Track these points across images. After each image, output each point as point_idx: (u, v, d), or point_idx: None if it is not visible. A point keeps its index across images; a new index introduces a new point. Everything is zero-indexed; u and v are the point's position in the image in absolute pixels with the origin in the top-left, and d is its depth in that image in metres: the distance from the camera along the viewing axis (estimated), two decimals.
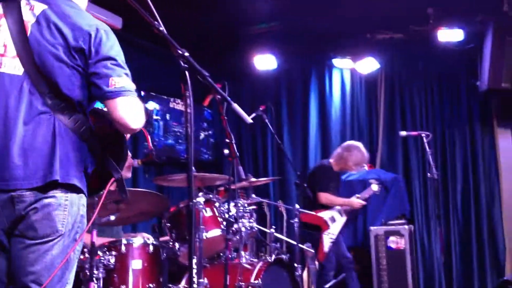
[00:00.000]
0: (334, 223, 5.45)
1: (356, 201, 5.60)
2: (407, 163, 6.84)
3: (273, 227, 4.81)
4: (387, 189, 6.32)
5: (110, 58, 1.89)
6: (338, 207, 5.55)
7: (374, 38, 6.70)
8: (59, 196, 1.82)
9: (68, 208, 1.83)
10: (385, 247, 5.69)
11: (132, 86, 1.90)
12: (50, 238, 1.80)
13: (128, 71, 1.94)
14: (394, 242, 5.68)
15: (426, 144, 5.00)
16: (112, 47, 1.92)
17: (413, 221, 6.50)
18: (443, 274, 6.21)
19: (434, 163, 4.97)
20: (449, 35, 6.26)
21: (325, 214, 5.41)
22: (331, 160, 5.78)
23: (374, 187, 5.72)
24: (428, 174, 5.05)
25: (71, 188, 1.85)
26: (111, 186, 2.01)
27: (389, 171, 6.70)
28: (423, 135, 5.08)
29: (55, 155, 1.81)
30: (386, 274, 5.61)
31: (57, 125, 1.83)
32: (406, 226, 5.76)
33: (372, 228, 5.90)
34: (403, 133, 5.48)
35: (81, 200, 1.90)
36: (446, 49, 6.50)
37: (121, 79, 1.86)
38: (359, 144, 5.76)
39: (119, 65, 1.91)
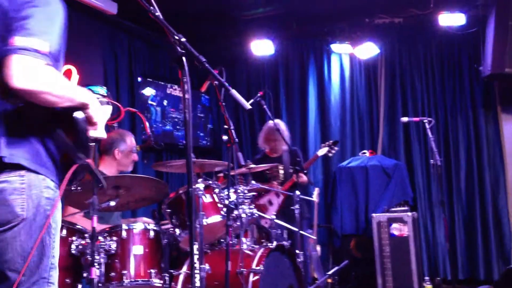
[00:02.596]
0: (271, 206, 5.31)
1: (276, 186, 5.33)
2: (409, 150, 6.79)
3: (274, 213, 4.79)
4: (389, 175, 6.30)
5: (22, 17, 1.72)
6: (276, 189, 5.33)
7: (373, 23, 6.64)
8: (12, 180, 1.75)
9: (26, 191, 1.76)
10: (388, 234, 5.67)
11: (39, 46, 1.70)
12: (13, 224, 1.74)
13: (48, 30, 1.75)
14: (397, 229, 5.66)
15: (428, 130, 4.96)
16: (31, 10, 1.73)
17: (416, 208, 6.48)
18: (448, 261, 6.20)
19: (437, 150, 4.93)
20: (451, 19, 6.20)
21: (263, 200, 5.30)
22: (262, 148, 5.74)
23: (320, 152, 5.62)
24: (431, 160, 5.00)
25: (27, 171, 1.77)
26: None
27: (390, 157, 6.68)
28: (425, 121, 5.04)
29: None
30: (390, 262, 5.59)
31: None
32: (409, 213, 5.73)
33: (374, 215, 5.88)
34: (405, 119, 5.44)
35: (43, 183, 1.81)
36: (448, 33, 6.45)
37: (25, 39, 1.68)
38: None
39: (30, 24, 1.72)
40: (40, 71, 1.68)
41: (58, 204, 1.85)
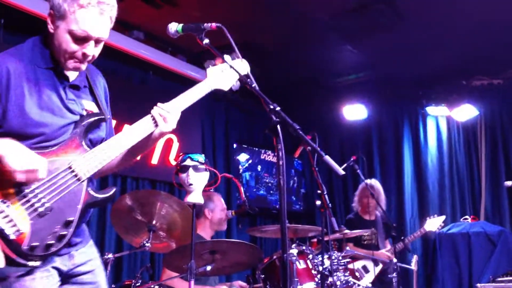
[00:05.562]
0: (368, 274, 5.03)
1: (382, 253, 5.12)
2: None
3: (370, 282, 4.63)
4: (494, 243, 5.93)
5: None
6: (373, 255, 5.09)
7: (470, 84, 6.48)
8: None
9: None
10: None
11: None
12: None
13: None
14: None
15: None
16: None
17: None
18: None
19: None
20: None
21: (356, 265, 4.96)
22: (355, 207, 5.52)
23: (427, 226, 5.28)
24: None
25: None
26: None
27: (494, 223, 6.29)
28: None
29: None
30: None
31: None
32: None
33: (479, 285, 5.48)
34: (509, 183, 5.14)
35: None
36: None
37: None
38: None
39: None
40: None
41: None
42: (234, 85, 2.34)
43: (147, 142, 2.14)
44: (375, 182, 5.41)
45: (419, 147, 7.13)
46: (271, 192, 7.02)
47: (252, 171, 6.89)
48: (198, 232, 4.02)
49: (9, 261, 1.74)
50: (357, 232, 4.55)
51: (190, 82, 6.39)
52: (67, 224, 1.85)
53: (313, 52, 5.78)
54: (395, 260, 4.25)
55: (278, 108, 2.01)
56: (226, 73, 2.29)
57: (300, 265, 3.60)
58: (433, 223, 5.30)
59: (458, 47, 5.58)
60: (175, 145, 5.73)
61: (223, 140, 6.68)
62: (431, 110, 6.83)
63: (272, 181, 7.04)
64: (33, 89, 1.86)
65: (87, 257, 2.03)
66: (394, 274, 4.18)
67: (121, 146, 1.99)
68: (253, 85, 2.10)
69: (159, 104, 2.10)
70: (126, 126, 2.13)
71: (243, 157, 6.79)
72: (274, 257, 3.68)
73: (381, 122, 7.42)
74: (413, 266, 5.50)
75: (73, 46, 1.90)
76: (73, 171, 1.86)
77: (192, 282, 2.94)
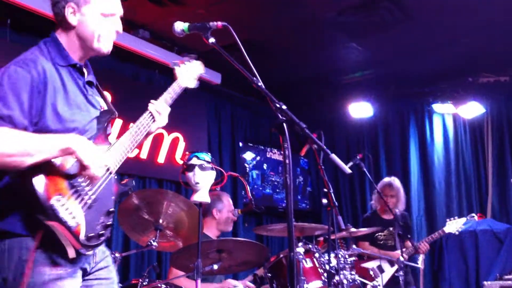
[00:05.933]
0: (383, 274, 4.82)
1: (393, 253, 4.96)
2: None
3: (376, 280, 4.62)
4: (501, 240, 5.90)
5: None
6: (389, 256, 4.98)
7: (477, 82, 6.45)
8: None
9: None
10: None
11: None
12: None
13: (0, 94, 1.77)
14: None
15: None
16: None
17: None
18: None
19: None
20: None
21: (370, 264, 4.81)
22: (374, 205, 5.40)
23: (448, 228, 5.13)
24: None
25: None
26: None
27: (502, 221, 6.27)
28: None
29: None
30: None
31: None
32: None
33: (486, 283, 5.47)
34: None
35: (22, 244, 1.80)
36: None
37: None
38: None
39: None
40: None
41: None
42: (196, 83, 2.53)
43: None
44: (393, 180, 5.29)
45: (425, 145, 7.11)
46: (277, 190, 7.03)
47: (258, 169, 6.89)
48: (204, 232, 4.02)
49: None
50: (363, 230, 4.53)
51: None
52: (109, 214, 1.96)
53: (319, 49, 5.77)
54: (402, 258, 4.23)
55: (284, 107, 2.02)
56: (190, 72, 2.48)
57: (307, 263, 3.60)
58: (454, 225, 5.14)
59: (464, 44, 5.55)
60: (181, 144, 5.74)
61: (229, 138, 6.69)
62: (437, 107, 6.80)
63: (278, 180, 7.04)
64: (61, 87, 1.92)
65: (104, 254, 2.10)
66: (401, 273, 4.17)
67: (135, 140, 2.11)
68: (259, 84, 2.10)
69: (152, 101, 2.24)
70: (132, 125, 2.18)
71: (249, 156, 6.79)
72: (281, 255, 3.68)
73: (387, 120, 7.40)
74: (420, 264, 5.49)
75: (106, 26, 2.02)
76: (105, 165, 1.94)
77: (199, 281, 2.95)
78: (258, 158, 6.91)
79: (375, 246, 5.14)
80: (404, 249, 4.99)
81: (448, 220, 5.31)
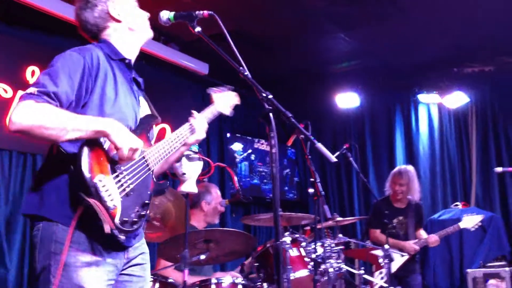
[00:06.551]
0: (392, 263, 4.70)
1: (409, 245, 4.90)
2: (505, 201, 6.43)
3: (362, 268, 4.67)
4: (484, 228, 5.97)
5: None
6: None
7: (462, 72, 6.50)
8: (34, 228, 1.90)
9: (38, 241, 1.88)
10: None
11: (31, 90, 1.79)
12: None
13: (51, 72, 1.85)
14: (494, 285, 5.31)
15: None
16: (48, 65, 1.91)
17: None
18: None
19: None
20: None
21: (380, 252, 4.61)
22: (387, 192, 5.26)
23: (463, 223, 5.03)
24: None
25: (38, 218, 1.88)
26: None
27: (485, 209, 6.34)
28: None
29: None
30: None
31: None
32: (507, 268, 5.40)
33: (469, 270, 5.57)
34: (499, 169, 5.16)
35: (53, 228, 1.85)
36: None
37: (31, 88, 1.80)
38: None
39: (41, 74, 1.87)
40: (27, 110, 1.73)
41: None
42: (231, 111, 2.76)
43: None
44: (405, 169, 5.14)
45: (411, 134, 7.17)
46: (265, 181, 7.05)
47: (246, 160, 6.90)
48: (191, 223, 4.03)
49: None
50: (349, 219, 4.57)
51: (183, 72, 6.40)
52: (144, 205, 2.00)
53: (306, 40, 5.77)
54: (387, 246, 4.28)
55: (270, 96, 2.03)
56: (226, 101, 2.72)
57: (293, 252, 3.63)
58: (470, 221, 5.04)
59: (450, 34, 5.59)
60: (168, 134, 5.72)
61: (216, 129, 6.68)
62: (423, 97, 6.86)
63: (266, 170, 7.06)
64: (112, 76, 2.03)
65: (140, 250, 2.11)
66: (386, 260, 4.22)
67: (173, 147, 2.24)
68: (245, 73, 2.11)
69: (193, 112, 2.48)
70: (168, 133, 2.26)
71: (237, 146, 6.80)
72: (268, 245, 3.70)
73: (373, 110, 7.45)
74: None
75: (141, 12, 2.26)
76: (146, 160, 2.03)
77: (186, 271, 2.97)
78: (245, 148, 6.92)
79: (386, 235, 4.92)
80: (415, 241, 4.96)
81: (465, 215, 5.21)
